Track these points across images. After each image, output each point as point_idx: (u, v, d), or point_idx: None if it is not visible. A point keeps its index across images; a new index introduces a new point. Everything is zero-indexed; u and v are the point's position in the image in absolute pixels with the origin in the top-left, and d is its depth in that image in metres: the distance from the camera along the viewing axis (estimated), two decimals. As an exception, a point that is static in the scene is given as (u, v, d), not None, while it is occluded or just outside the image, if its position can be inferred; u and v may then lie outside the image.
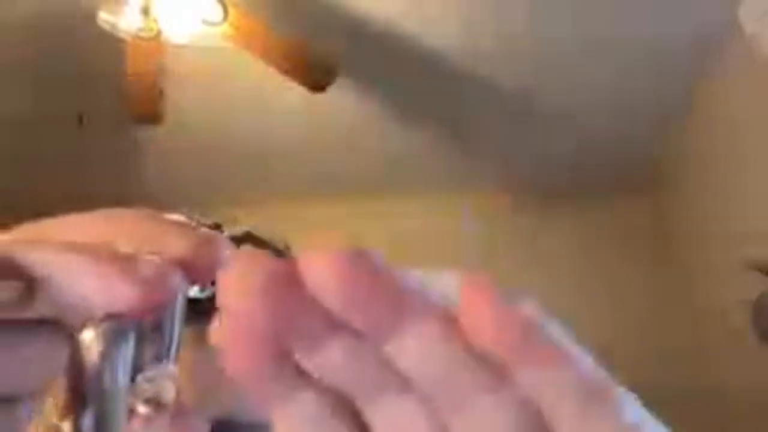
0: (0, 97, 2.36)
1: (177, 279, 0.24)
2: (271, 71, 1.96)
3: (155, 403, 0.25)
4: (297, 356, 0.21)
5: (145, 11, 1.80)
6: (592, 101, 2.47)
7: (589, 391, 0.20)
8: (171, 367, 0.25)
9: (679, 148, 2.66)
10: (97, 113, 2.43)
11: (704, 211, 2.52)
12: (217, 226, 0.43)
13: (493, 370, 0.20)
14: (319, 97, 2.08)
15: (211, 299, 0.22)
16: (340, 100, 2.36)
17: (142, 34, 1.83)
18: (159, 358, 0.25)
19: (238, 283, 0.19)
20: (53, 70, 2.29)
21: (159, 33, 1.85)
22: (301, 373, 0.21)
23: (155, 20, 1.82)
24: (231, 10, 1.82)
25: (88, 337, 0.22)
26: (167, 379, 0.25)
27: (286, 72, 1.96)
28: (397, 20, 2.13)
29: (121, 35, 1.84)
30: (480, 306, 0.19)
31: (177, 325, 0.25)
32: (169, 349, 0.25)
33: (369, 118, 2.51)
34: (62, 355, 0.25)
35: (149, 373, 0.25)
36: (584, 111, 2.52)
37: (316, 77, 2.01)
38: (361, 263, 0.19)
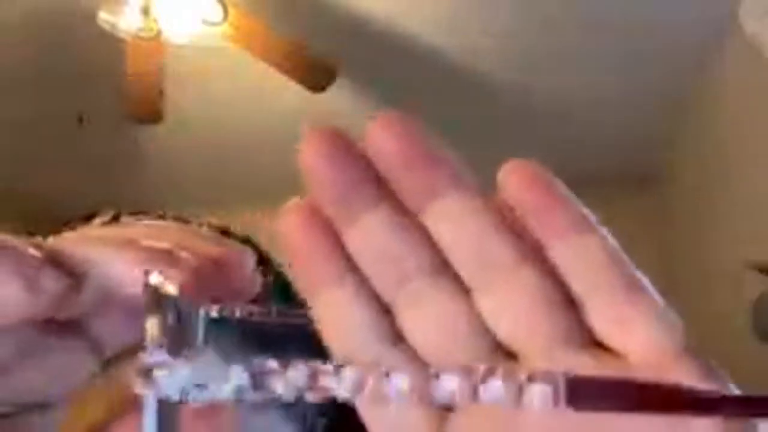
0: (0, 97, 2.36)
1: (211, 272, 0.25)
2: (271, 71, 1.96)
3: None
4: (342, 228, 0.22)
5: (145, 11, 1.80)
6: (592, 102, 2.47)
7: (620, 269, 0.22)
8: (210, 351, 0.27)
9: (678, 149, 2.66)
10: (97, 113, 2.43)
11: (704, 211, 2.52)
12: (225, 232, 0.43)
13: (525, 244, 0.21)
14: (319, 97, 2.08)
15: (223, 319, 0.23)
16: (340, 100, 2.36)
17: (142, 34, 1.83)
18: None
19: (313, 149, 0.22)
20: (53, 70, 2.29)
21: (159, 33, 1.85)
22: (347, 260, 0.22)
23: (155, 20, 1.82)
24: (231, 10, 1.82)
25: (155, 279, 0.23)
26: (208, 359, 0.27)
27: (286, 72, 1.97)
28: (397, 20, 2.14)
29: (121, 35, 1.84)
30: (516, 180, 0.22)
31: (201, 323, 0.27)
32: (195, 342, 0.27)
33: (369, 118, 2.51)
34: (87, 366, 0.26)
35: (190, 352, 0.26)
36: (584, 111, 2.52)
37: (316, 77, 2.01)
38: (416, 129, 0.22)
